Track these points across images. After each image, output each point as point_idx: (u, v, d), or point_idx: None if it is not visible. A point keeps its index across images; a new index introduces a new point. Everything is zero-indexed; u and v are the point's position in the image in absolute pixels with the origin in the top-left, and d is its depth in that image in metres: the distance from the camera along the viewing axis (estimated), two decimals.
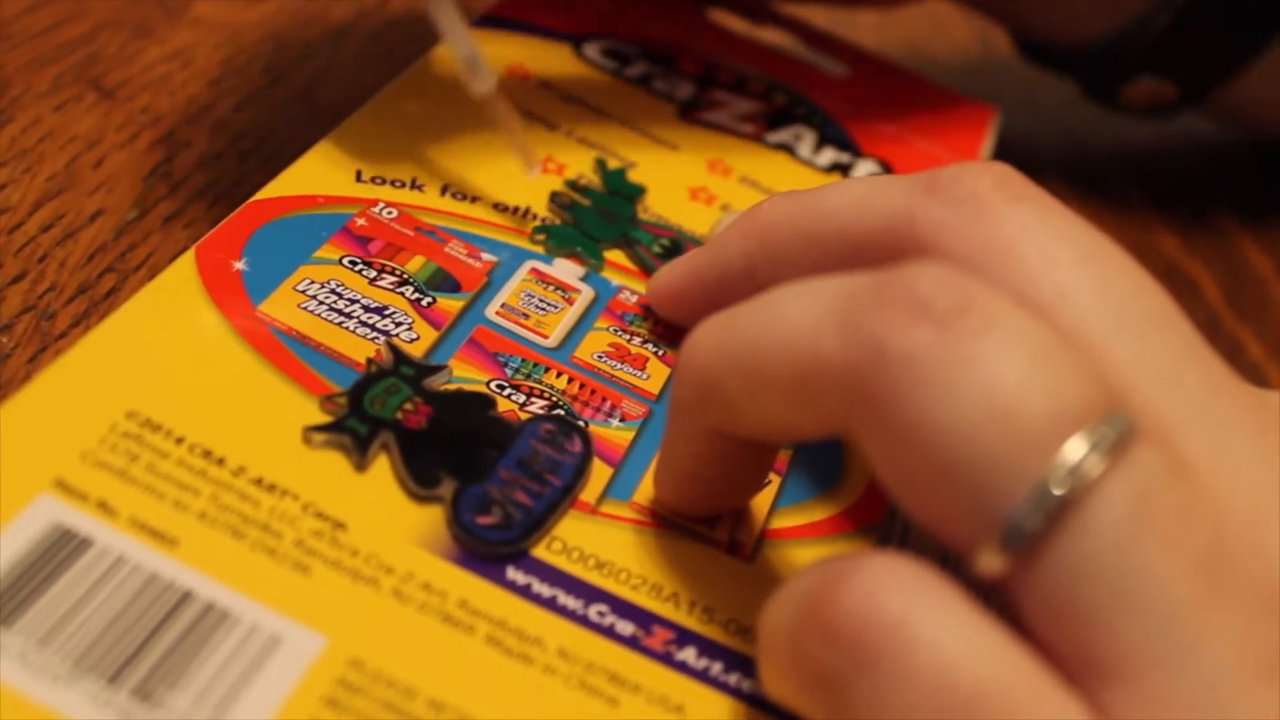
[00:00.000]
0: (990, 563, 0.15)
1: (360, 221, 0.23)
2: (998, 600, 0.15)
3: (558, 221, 0.25)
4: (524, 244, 0.24)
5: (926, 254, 0.17)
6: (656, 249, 0.25)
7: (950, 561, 0.23)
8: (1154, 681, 0.14)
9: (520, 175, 0.26)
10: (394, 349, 0.21)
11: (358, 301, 0.22)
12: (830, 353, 0.15)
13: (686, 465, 0.19)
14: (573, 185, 0.26)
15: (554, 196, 0.25)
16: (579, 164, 0.26)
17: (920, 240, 0.18)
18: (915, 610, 0.14)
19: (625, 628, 0.18)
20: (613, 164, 0.27)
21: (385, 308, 0.22)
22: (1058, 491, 0.14)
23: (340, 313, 0.21)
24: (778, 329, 0.16)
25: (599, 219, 0.25)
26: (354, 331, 0.21)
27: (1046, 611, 0.15)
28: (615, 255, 0.25)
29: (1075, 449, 0.14)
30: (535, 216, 0.25)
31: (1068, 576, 0.14)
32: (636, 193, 0.26)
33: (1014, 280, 0.17)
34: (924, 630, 0.14)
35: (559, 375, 0.22)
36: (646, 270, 0.25)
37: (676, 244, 0.25)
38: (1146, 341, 0.16)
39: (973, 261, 0.17)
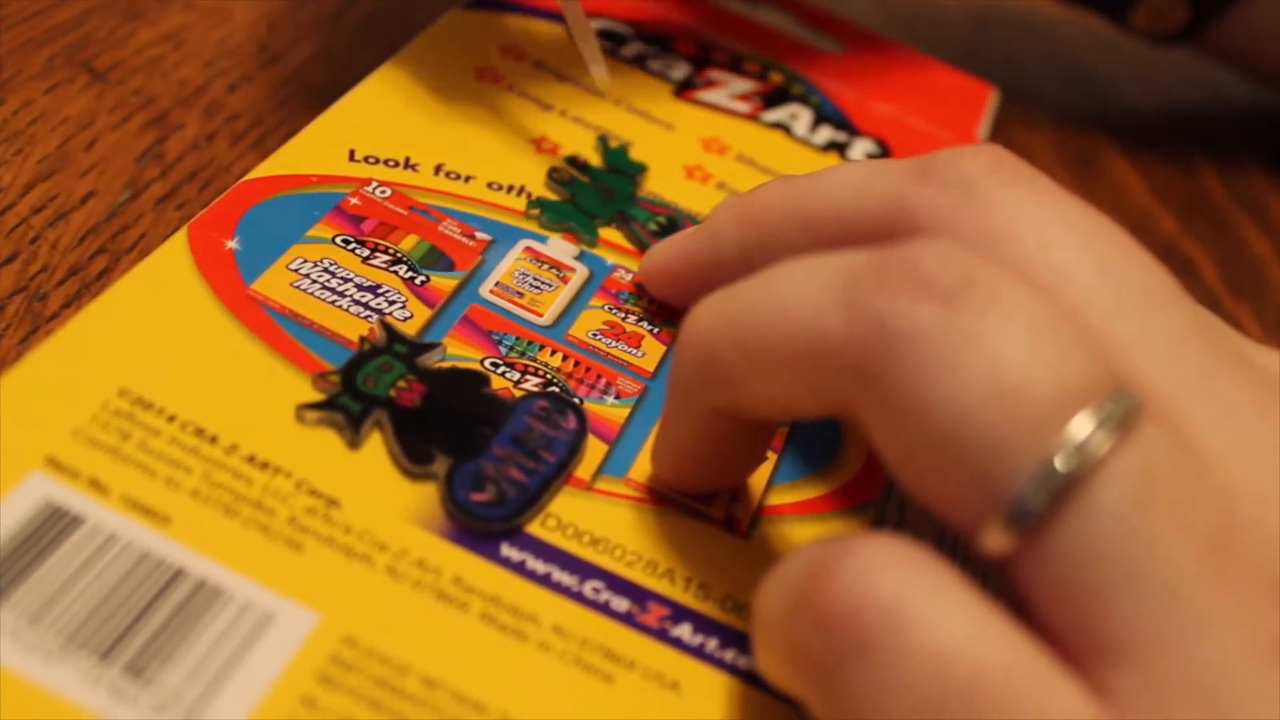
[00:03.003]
0: (994, 541, 0.14)
1: (353, 200, 0.23)
2: (998, 580, 0.15)
3: (554, 197, 0.25)
4: (518, 223, 0.24)
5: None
6: (653, 226, 0.25)
7: (947, 540, 0.23)
8: (1157, 661, 0.14)
9: (515, 154, 0.25)
10: (387, 327, 0.21)
11: (351, 280, 0.22)
12: (833, 330, 0.15)
13: (685, 443, 0.19)
14: (572, 161, 0.26)
15: (552, 172, 0.25)
16: (574, 143, 0.26)
17: (915, 226, 0.18)
18: (909, 593, 0.14)
19: (620, 604, 0.18)
20: (615, 141, 0.27)
21: (379, 286, 0.22)
22: (1063, 469, 0.14)
23: (333, 291, 0.21)
24: (779, 307, 0.16)
25: (596, 196, 0.25)
26: (347, 310, 0.21)
27: (1050, 591, 0.14)
28: (612, 235, 0.25)
29: (1081, 426, 0.14)
30: (530, 195, 0.25)
31: (1072, 555, 0.14)
32: (637, 170, 0.26)
33: (1011, 264, 0.17)
34: (918, 613, 0.14)
35: (553, 353, 0.22)
36: (642, 248, 0.24)
37: (673, 221, 0.25)
38: (1148, 321, 0.16)
39: (969, 246, 0.17)
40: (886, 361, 0.15)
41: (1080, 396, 0.14)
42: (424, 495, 0.19)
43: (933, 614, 0.14)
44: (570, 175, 0.25)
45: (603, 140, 0.27)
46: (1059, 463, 0.14)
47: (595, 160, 0.26)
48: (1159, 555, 0.14)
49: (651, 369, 0.22)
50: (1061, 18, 0.43)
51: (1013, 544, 0.14)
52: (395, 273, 0.22)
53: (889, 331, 0.15)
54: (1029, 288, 0.15)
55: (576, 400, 0.21)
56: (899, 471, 0.15)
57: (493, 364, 0.21)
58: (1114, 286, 0.16)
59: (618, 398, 0.21)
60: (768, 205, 0.20)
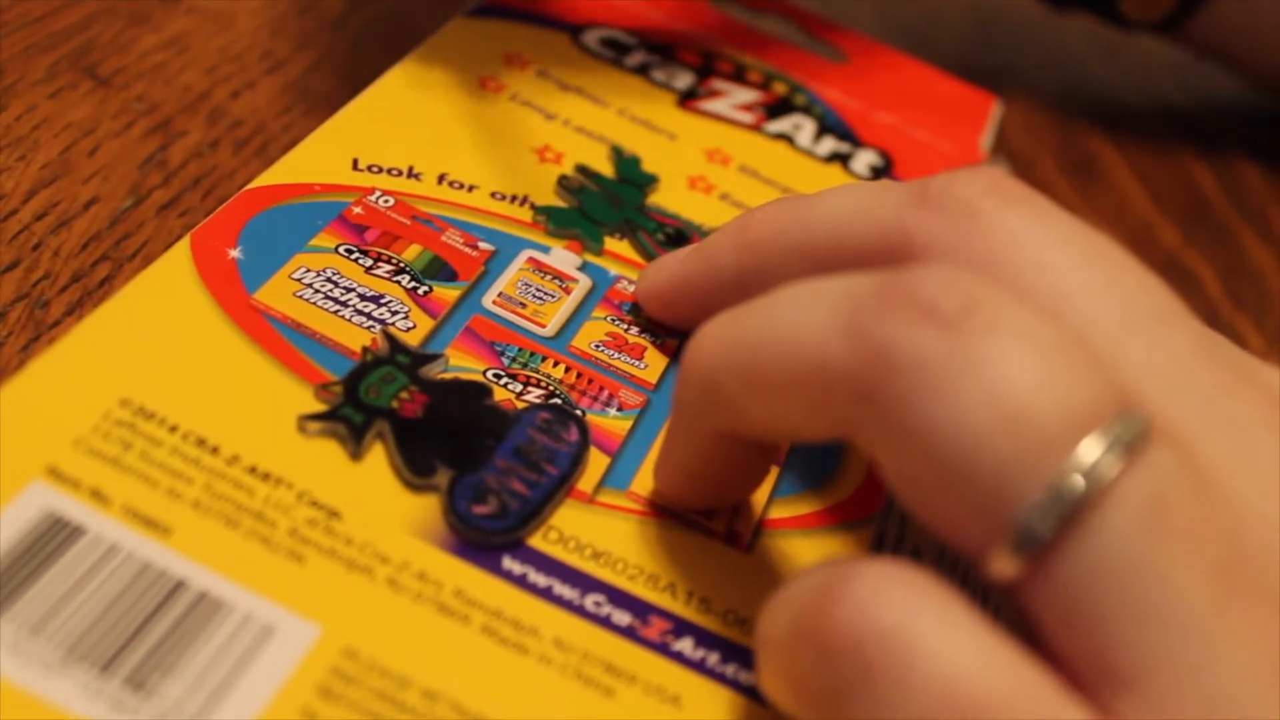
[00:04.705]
0: (1001, 567, 0.14)
1: (356, 210, 0.23)
2: (1007, 605, 0.15)
3: (563, 204, 0.25)
4: (521, 233, 0.24)
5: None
6: (660, 237, 0.25)
7: (948, 558, 0.23)
8: (1167, 688, 0.14)
9: (518, 163, 0.25)
10: (390, 337, 0.21)
11: (354, 290, 0.21)
12: (835, 357, 0.15)
13: (688, 463, 0.19)
14: (583, 170, 0.26)
15: (562, 179, 0.25)
16: (577, 153, 0.26)
17: (913, 253, 0.18)
18: (913, 621, 0.14)
19: (622, 618, 0.18)
20: (628, 152, 0.27)
21: (381, 296, 0.22)
22: (1071, 494, 0.14)
23: (336, 301, 0.21)
24: (782, 332, 0.16)
25: (604, 204, 0.25)
26: (350, 320, 0.21)
27: (1059, 617, 0.14)
28: (618, 246, 0.25)
29: (1089, 450, 0.14)
30: (533, 205, 0.25)
31: (1081, 581, 0.14)
32: (648, 182, 0.26)
33: (1011, 287, 0.16)
34: (922, 641, 0.14)
35: (556, 364, 0.22)
36: (649, 258, 0.24)
37: (681, 233, 0.25)
38: (1153, 342, 0.16)
39: (970, 270, 0.17)
40: (889, 387, 0.15)
41: (1088, 420, 0.14)
42: (426, 507, 0.19)
43: (937, 642, 0.14)
44: (580, 183, 0.25)
45: (616, 151, 0.27)
46: (1067, 487, 0.14)
47: (607, 170, 0.26)
48: (1167, 581, 0.14)
49: (654, 381, 0.22)
50: (1064, 26, 0.43)
51: (1020, 570, 0.14)
52: (398, 283, 0.22)
53: (892, 357, 0.15)
54: (1033, 311, 0.15)
55: (579, 412, 0.21)
56: (904, 496, 0.15)
57: (495, 375, 0.21)
58: (1117, 308, 0.16)
59: (620, 410, 0.21)
60: (764, 230, 0.20)
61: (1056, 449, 0.14)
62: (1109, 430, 0.14)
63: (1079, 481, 0.14)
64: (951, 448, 0.14)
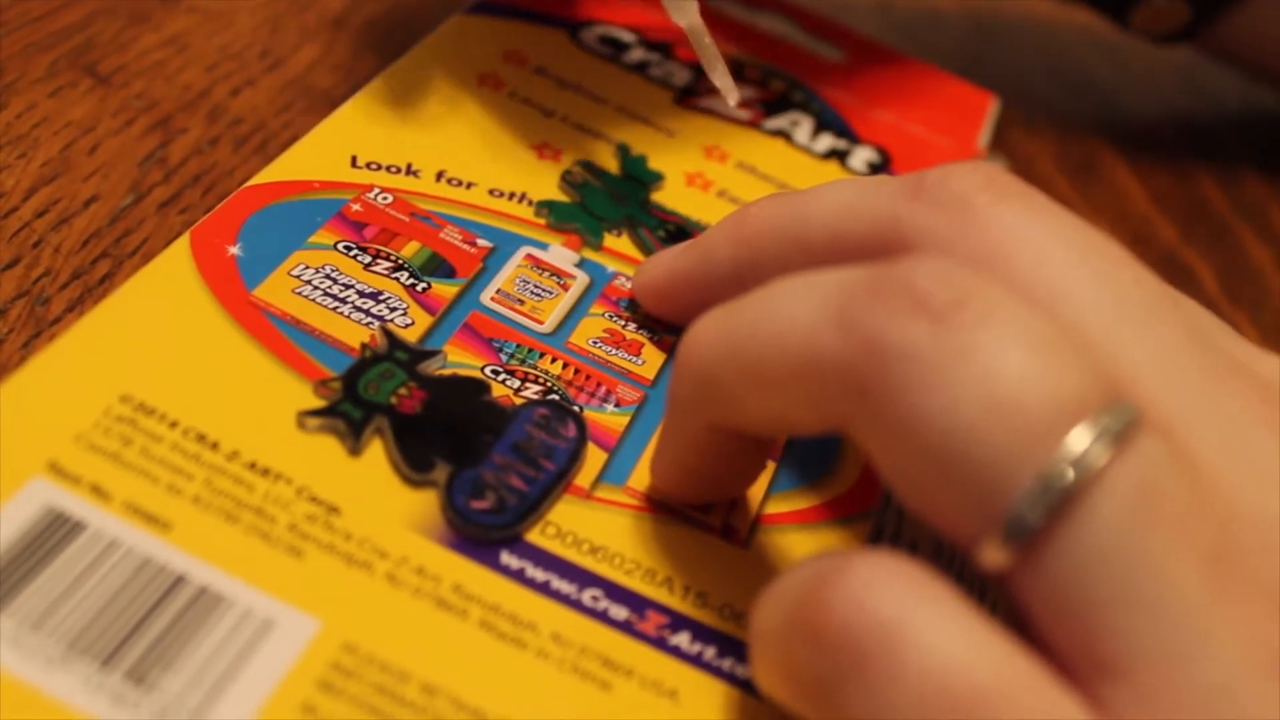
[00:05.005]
0: (992, 557, 0.14)
1: (355, 207, 0.23)
2: (999, 594, 0.15)
3: (564, 199, 0.25)
4: (520, 229, 0.24)
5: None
6: (661, 234, 0.25)
7: (945, 550, 0.23)
8: (1157, 678, 0.14)
9: (517, 161, 0.26)
10: (388, 334, 0.21)
11: (352, 287, 0.22)
12: (828, 349, 0.15)
13: (684, 458, 0.19)
14: (587, 165, 0.26)
15: (566, 174, 0.25)
16: (575, 150, 0.26)
17: (908, 245, 0.18)
18: (906, 612, 0.14)
19: (619, 612, 0.18)
20: (635, 151, 0.27)
21: (380, 293, 0.22)
22: (1061, 483, 0.14)
23: (335, 298, 0.21)
24: (775, 325, 0.16)
25: (607, 200, 0.25)
26: (348, 316, 0.21)
27: (1049, 606, 0.14)
28: (617, 242, 0.25)
29: (1079, 439, 0.14)
30: (531, 202, 0.25)
31: (1071, 570, 0.14)
32: (653, 179, 0.26)
33: (1006, 281, 0.16)
34: (915, 633, 0.14)
35: (554, 360, 0.22)
36: (648, 255, 0.25)
37: (683, 230, 0.25)
38: (1146, 335, 0.16)
39: (964, 263, 0.17)
40: (881, 379, 0.15)
41: (1077, 409, 0.14)
42: (424, 502, 0.19)
43: (930, 633, 0.14)
44: (584, 178, 0.26)
45: (622, 148, 0.27)
46: (1056, 476, 0.14)
47: (612, 166, 0.26)
48: (1157, 570, 0.14)
49: (651, 376, 0.22)
50: (1063, 24, 0.43)
51: (1011, 559, 0.14)
52: (397, 279, 0.22)
53: (883, 349, 0.15)
54: (1024, 302, 0.15)
55: (576, 408, 0.21)
56: (897, 488, 0.15)
57: (493, 371, 0.21)
58: (1111, 300, 0.16)
59: (618, 405, 0.21)
60: (760, 223, 0.20)
61: (1046, 439, 0.14)
62: (1098, 420, 0.14)
63: (1068, 471, 0.14)
64: (942, 439, 0.14)
